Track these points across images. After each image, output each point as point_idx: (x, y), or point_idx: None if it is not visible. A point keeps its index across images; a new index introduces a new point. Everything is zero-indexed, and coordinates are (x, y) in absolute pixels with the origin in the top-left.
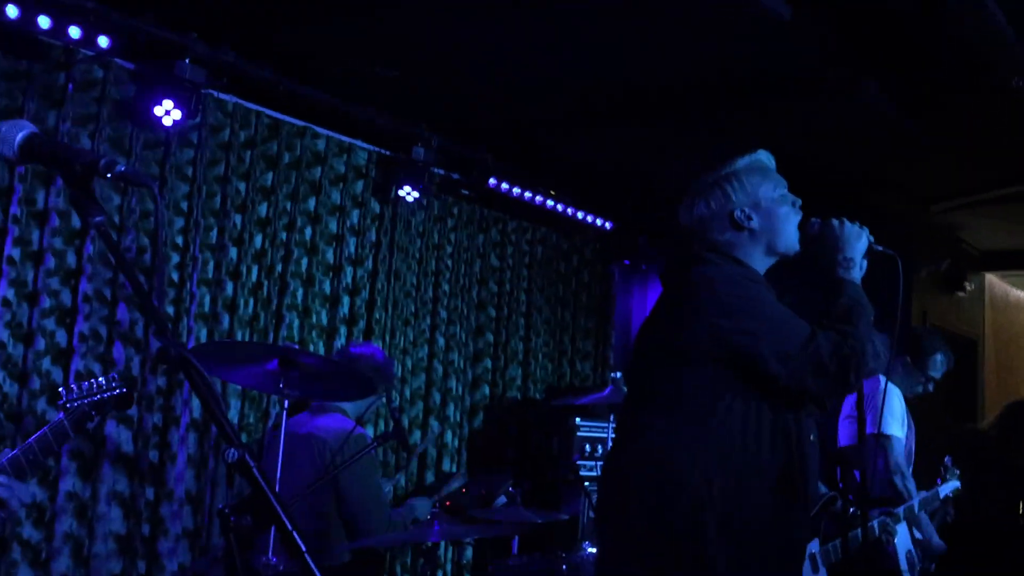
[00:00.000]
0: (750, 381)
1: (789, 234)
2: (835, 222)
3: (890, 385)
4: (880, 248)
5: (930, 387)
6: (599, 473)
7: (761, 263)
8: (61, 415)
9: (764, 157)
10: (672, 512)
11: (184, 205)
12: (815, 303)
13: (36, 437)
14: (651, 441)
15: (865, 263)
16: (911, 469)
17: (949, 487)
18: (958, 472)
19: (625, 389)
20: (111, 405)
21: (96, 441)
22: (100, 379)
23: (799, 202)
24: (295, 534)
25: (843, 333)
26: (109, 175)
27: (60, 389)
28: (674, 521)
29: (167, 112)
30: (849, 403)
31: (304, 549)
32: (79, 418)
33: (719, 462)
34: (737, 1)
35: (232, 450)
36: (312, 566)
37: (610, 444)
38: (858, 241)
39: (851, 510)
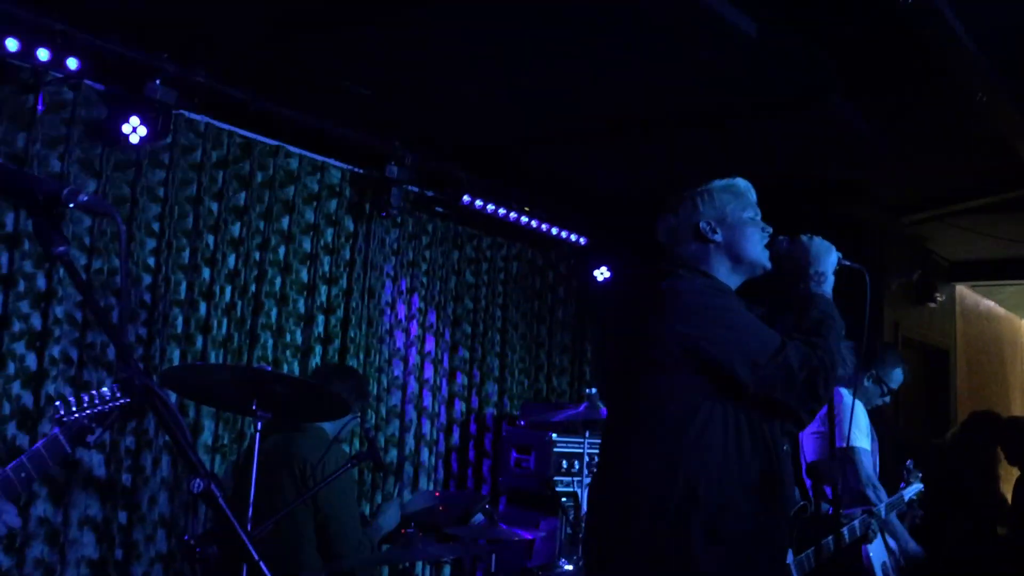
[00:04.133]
0: (723, 389)
1: (755, 250)
2: (804, 238)
3: (854, 399)
4: (848, 263)
5: (887, 399)
6: (576, 488)
7: (728, 278)
8: (56, 429)
9: (741, 183)
10: (657, 523)
11: (156, 226)
12: (786, 317)
13: (29, 455)
14: (632, 453)
15: (833, 279)
16: (877, 479)
17: (913, 490)
18: (920, 475)
19: (602, 405)
20: (116, 416)
21: (68, 465)
22: (103, 390)
23: (769, 229)
24: (262, 564)
25: (812, 344)
26: (72, 204)
27: (56, 403)
28: (660, 531)
29: (134, 129)
30: (815, 418)
31: None
32: (77, 432)
33: (701, 470)
34: (704, 20)
35: (198, 480)
36: None
37: (586, 459)
38: (828, 255)
39: (825, 511)
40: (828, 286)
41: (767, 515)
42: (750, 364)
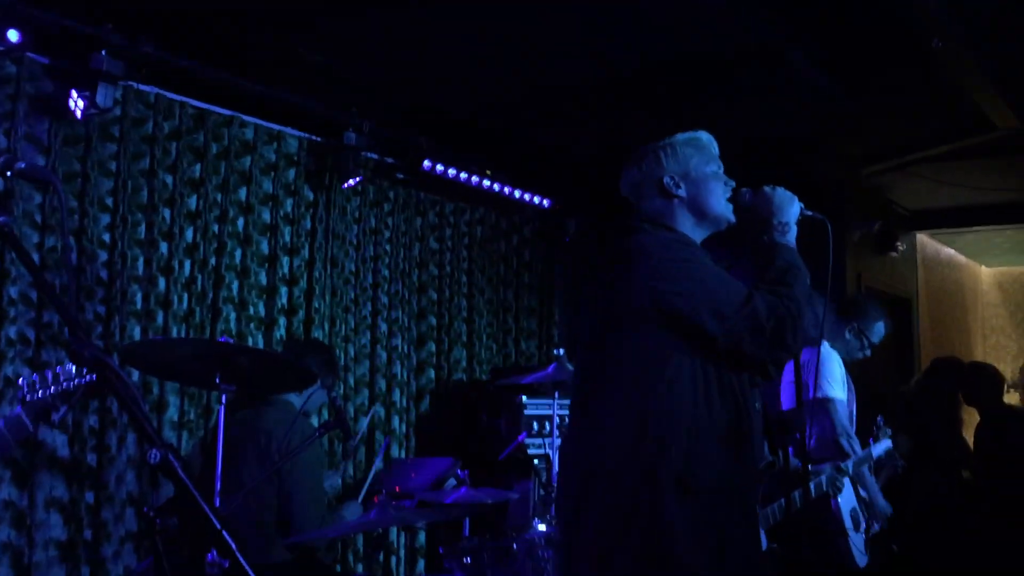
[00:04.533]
0: (692, 342)
1: (718, 205)
2: (767, 188)
3: (830, 349)
4: (811, 213)
5: (868, 352)
6: (547, 451)
7: (693, 232)
8: (18, 408)
9: (704, 137)
10: (627, 477)
11: (109, 201)
12: (749, 270)
13: None
14: (601, 410)
15: (796, 229)
16: (854, 430)
17: (882, 447)
18: (889, 432)
19: (570, 366)
20: (80, 394)
21: (31, 447)
22: (69, 367)
23: (732, 183)
24: (224, 533)
25: (779, 294)
26: (9, 173)
27: (20, 380)
28: (630, 486)
29: (75, 102)
30: (791, 369)
31: (235, 547)
32: (41, 410)
33: (670, 422)
34: None
35: (154, 451)
36: (244, 564)
37: (556, 421)
38: (791, 205)
39: (795, 467)
40: (791, 236)
41: (736, 468)
42: (717, 316)
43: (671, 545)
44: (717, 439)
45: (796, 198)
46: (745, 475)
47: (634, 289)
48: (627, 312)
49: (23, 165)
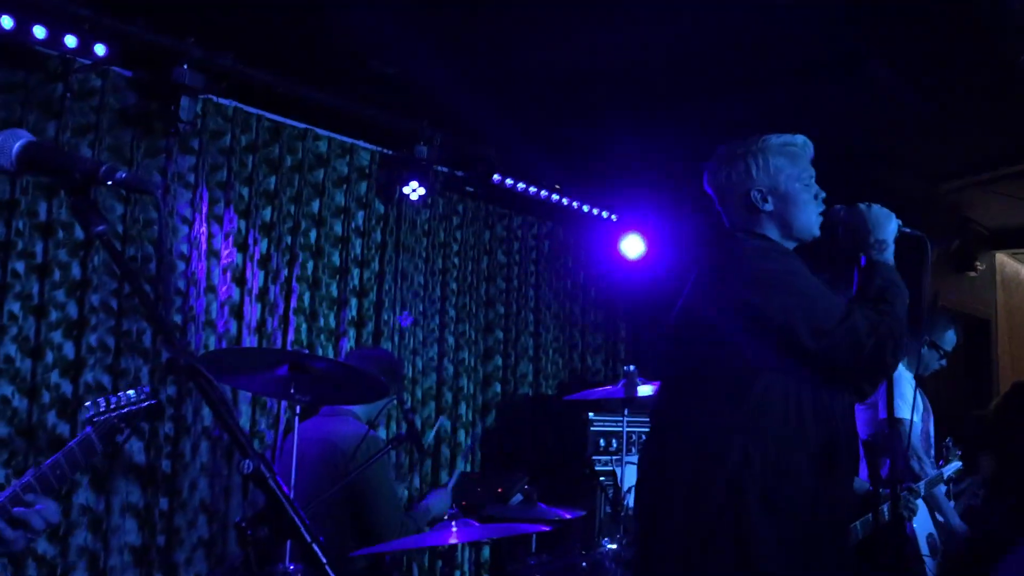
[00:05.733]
0: (786, 356)
1: (807, 220)
2: (863, 206)
3: (903, 370)
4: (908, 230)
5: (944, 362)
6: (614, 468)
7: (779, 243)
8: (89, 429)
9: (799, 141)
10: (710, 490)
11: (187, 212)
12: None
13: (64, 452)
14: (687, 421)
15: (893, 247)
16: (933, 451)
17: (952, 468)
18: (959, 452)
19: (640, 382)
20: (141, 417)
21: (108, 453)
22: (129, 392)
23: (823, 195)
24: (315, 546)
25: (880, 312)
26: (110, 182)
27: (87, 403)
28: (712, 499)
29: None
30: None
31: (324, 561)
32: (108, 431)
33: (758, 436)
34: None
35: (247, 461)
36: None
37: (625, 438)
38: (888, 223)
39: (881, 490)
40: (889, 254)
41: (828, 484)
42: (815, 331)
43: (758, 564)
44: (807, 457)
45: (893, 215)
46: (836, 492)
47: (729, 300)
48: (721, 323)
49: (124, 175)
